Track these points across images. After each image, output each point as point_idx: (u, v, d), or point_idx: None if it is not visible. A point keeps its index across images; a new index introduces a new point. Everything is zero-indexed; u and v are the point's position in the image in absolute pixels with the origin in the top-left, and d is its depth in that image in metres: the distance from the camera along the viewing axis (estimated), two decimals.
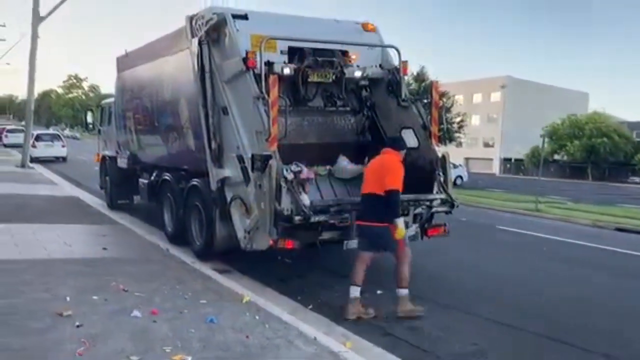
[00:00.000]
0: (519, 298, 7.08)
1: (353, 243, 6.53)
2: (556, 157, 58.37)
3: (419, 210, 7.01)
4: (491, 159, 68.29)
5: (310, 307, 6.11)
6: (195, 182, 7.95)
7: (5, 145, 37.66)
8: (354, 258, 6.08)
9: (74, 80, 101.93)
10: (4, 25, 56.58)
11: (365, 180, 6.04)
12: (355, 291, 5.84)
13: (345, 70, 7.57)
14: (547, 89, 70.08)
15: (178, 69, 8.25)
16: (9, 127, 44.85)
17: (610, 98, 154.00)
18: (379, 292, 6.80)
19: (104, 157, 13.08)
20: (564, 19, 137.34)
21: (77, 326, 4.72)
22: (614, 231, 14.80)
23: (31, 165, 22.62)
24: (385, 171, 5.76)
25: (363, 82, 7.99)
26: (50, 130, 43.70)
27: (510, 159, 65.34)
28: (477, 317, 6.14)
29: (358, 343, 5.02)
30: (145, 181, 10.31)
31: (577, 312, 6.65)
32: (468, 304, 6.56)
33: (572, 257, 10.43)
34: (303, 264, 7.48)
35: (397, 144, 6.27)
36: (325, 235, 6.42)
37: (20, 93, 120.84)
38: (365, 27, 8.17)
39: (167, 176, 9.20)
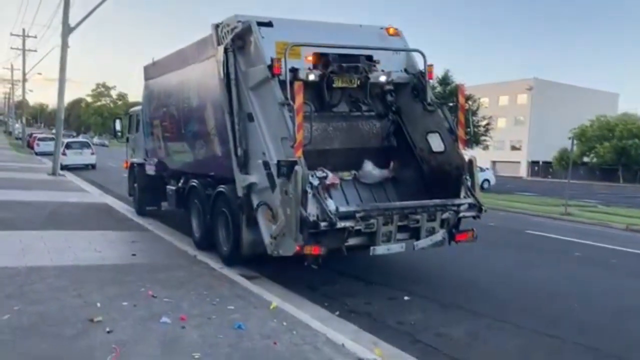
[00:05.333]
0: (550, 305, 6.93)
1: (380, 249, 6.49)
2: (585, 159, 57.19)
3: (446, 215, 6.92)
4: (518, 162, 67.23)
5: (337, 313, 6.09)
6: (221, 188, 8.01)
7: (37, 154, 38.54)
8: None
9: (103, 89, 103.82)
10: (35, 37, 58.12)
11: None
12: None
13: (370, 75, 7.55)
14: (575, 90, 68.81)
15: (204, 76, 8.34)
16: (40, 136, 45.82)
17: None
18: (406, 298, 6.76)
19: (132, 164, 13.27)
20: (591, 19, 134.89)
21: (108, 332, 4.79)
22: None
23: (61, 172, 23.09)
24: None
25: (388, 87, 7.96)
26: (80, 138, 44.45)
27: (538, 162, 64.26)
28: (507, 324, 6.03)
29: (387, 350, 4.98)
30: (173, 188, 10.43)
31: (611, 320, 6.48)
32: (497, 310, 6.45)
33: (607, 262, 10.17)
34: (329, 270, 7.46)
35: None
36: (351, 241, 6.38)
37: (51, 102, 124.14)
38: (389, 31, 8.15)
39: (194, 183, 9.29)
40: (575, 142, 34.50)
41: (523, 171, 65.99)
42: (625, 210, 20.67)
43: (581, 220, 16.78)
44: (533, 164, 65.77)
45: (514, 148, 69.95)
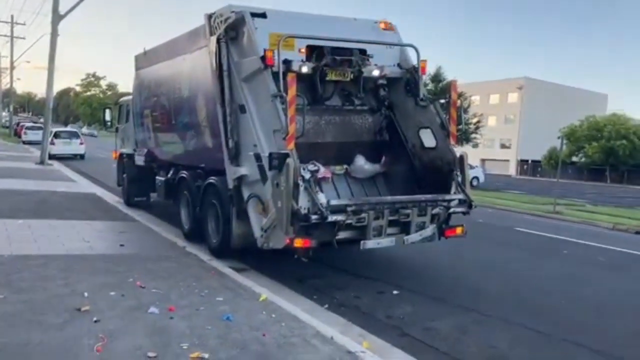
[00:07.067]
0: (538, 301, 6.97)
1: (370, 243, 6.50)
2: (574, 159, 57.62)
3: (436, 210, 6.93)
4: (508, 161, 67.63)
5: (326, 306, 6.09)
6: (212, 180, 7.97)
7: (24, 142, 38.16)
8: None
9: (92, 79, 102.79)
10: (24, 24, 57.35)
11: None
12: None
13: (364, 69, 7.53)
14: (565, 90, 69.27)
15: (196, 67, 8.27)
16: (27, 125, 45.34)
17: (630, 99, 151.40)
18: (395, 292, 6.77)
19: (121, 155, 13.18)
20: (582, 19, 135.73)
21: (95, 321, 4.75)
22: (635, 234, 14.56)
23: (50, 162, 22.86)
24: None
25: (381, 81, 7.94)
26: (69, 128, 44.05)
27: (527, 161, 64.68)
28: (495, 319, 6.06)
29: (375, 343, 4.99)
30: (162, 179, 10.37)
31: (597, 315, 6.54)
32: (486, 306, 6.48)
33: (594, 260, 10.26)
34: (319, 264, 7.45)
35: None
36: (342, 235, 6.37)
37: (39, 91, 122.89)
38: (383, 25, 8.12)
39: (184, 174, 9.23)
40: (564, 141, 34.77)
41: (512, 170, 66.38)
42: (612, 209, 20.87)
43: (570, 219, 16.93)
44: (522, 162, 66.18)
45: (503, 146, 70.32)
